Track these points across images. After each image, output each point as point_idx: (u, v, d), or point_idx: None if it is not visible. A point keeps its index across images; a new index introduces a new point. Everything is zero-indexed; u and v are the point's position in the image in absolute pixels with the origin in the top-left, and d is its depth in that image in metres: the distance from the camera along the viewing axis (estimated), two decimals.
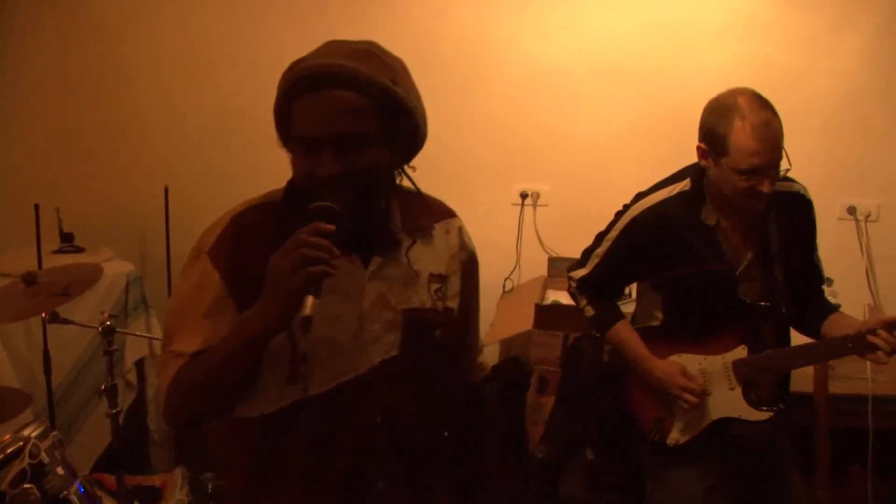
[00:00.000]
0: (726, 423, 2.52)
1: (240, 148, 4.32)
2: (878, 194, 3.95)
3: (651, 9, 4.09)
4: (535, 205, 4.30)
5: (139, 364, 4.02)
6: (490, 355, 4.22)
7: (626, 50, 4.12)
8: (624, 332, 2.63)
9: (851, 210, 3.95)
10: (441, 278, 1.80)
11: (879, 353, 2.25)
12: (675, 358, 2.55)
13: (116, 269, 3.92)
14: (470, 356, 2.02)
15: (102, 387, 2.90)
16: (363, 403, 1.68)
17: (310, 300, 1.43)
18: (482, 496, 2.03)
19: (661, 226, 2.48)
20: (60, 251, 4.07)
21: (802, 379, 3.14)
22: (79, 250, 4.10)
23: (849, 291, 3.57)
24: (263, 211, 1.69)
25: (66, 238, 4.14)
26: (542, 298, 3.93)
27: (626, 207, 2.59)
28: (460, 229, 1.90)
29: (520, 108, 4.22)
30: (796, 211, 2.51)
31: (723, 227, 2.46)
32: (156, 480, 3.73)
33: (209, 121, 4.40)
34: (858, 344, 2.30)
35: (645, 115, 4.13)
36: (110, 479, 3.42)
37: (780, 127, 2.28)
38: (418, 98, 1.67)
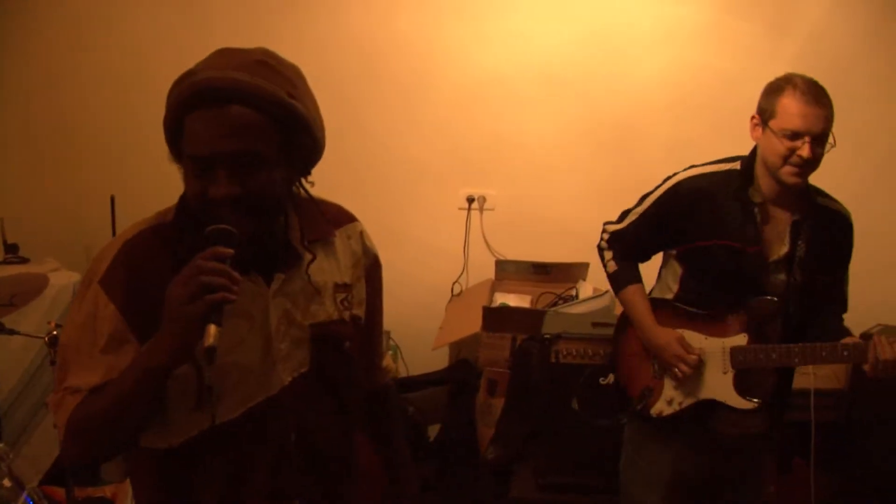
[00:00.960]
0: (712, 406, 2.57)
1: None
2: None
3: (590, 17, 4.15)
4: (481, 209, 4.33)
5: None
6: (440, 359, 4.26)
7: (566, 57, 4.18)
8: (635, 295, 2.70)
9: None
10: (346, 287, 1.77)
11: (879, 364, 2.32)
12: (682, 332, 2.61)
13: (63, 280, 3.87)
14: (374, 359, 2.01)
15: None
16: (276, 424, 1.64)
17: (212, 329, 1.37)
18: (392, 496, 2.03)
19: (704, 195, 2.53)
20: (5, 262, 4.02)
21: None
22: (23, 261, 4.05)
23: None
24: (155, 234, 1.60)
25: (11, 249, 4.09)
26: (490, 301, 3.97)
27: (676, 174, 2.64)
28: (362, 233, 1.86)
29: (465, 114, 4.26)
30: (835, 228, 2.56)
31: (766, 211, 2.51)
32: (106, 491, 3.68)
33: (154, 130, 4.30)
34: (855, 353, 2.38)
35: (586, 121, 4.19)
36: (60, 492, 3.39)
37: (830, 105, 2.38)
38: (316, 108, 1.61)
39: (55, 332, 2.87)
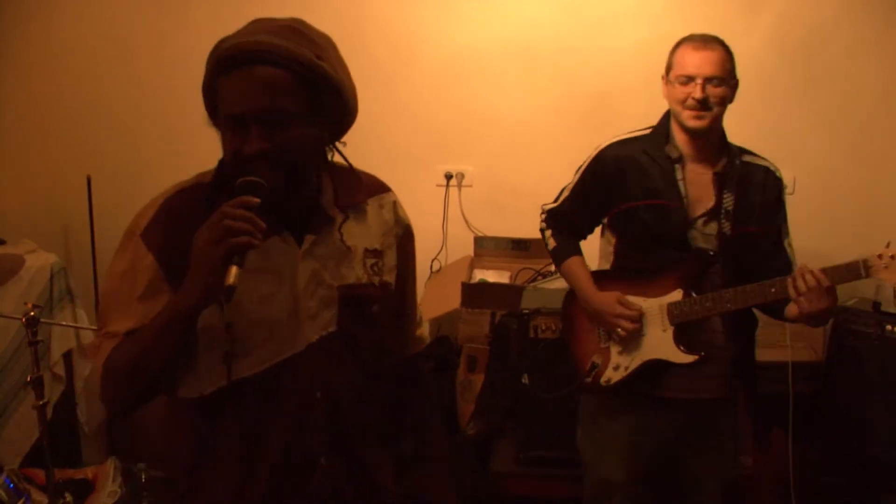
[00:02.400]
0: (659, 370, 2.61)
1: (162, 136, 4.28)
2: (792, 168, 4.06)
3: None
4: (459, 185, 4.33)
5: (67, 356, 3.96)
6: None
7: (543, 32, 4.17)
8: (576, 266, 2.77)
9: None
10: (376, 253, 1.82)
11: (799, 298, 2.36)
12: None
13: (40, 261, 3.85)
14: (408, 329, 2.04)
15: (28, 378, 2.86)
16: (302, 381, 1.69)
17: (233, 270, 1.45)
18: (421, 469, 2.05)
19: (624, 157, 2.65)
20: None
21: None
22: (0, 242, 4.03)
23: None
24: (194, 192, 1.70)
25: None
26: (470, 277, 3.97)
27: (600, 145, 2.74)
28: (394, 203, 1.92)
29: (442, 90, 4.25)
30: (761, 181, 2.64)
31: (685, 168, 2.60)
32: (87, 473, 3.69)
33: (131, 110, 4.34)
34: (781, 288, 2.41)
35: (563, 95, 4.20)
36: (40, 474, 3.38)
37: (722, 49, 2.58)
38: (346, 74, 1.68)
39: (32, 314, 2.85)
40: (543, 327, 3.34)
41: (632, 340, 2.63)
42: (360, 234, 1.79)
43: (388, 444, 1.93)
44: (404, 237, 1.93)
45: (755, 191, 2.61)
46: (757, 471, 3.51)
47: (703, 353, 2.55)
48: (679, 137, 2.62)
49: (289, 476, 1.71)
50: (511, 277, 4.02)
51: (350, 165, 1.81)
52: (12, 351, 3.69)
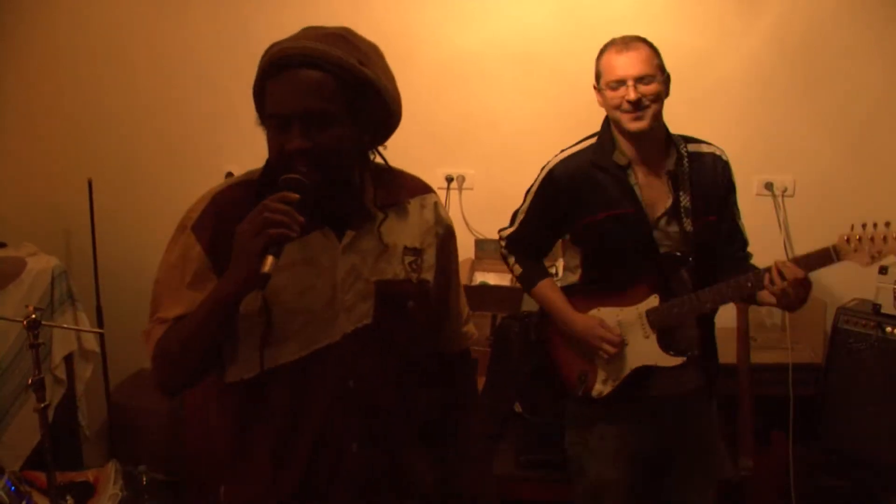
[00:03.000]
0: (646, 373, 2.63)
1: (163, 140, 4.29)
2: (792, 169, 4.07)
3: None
4: (460, 188, 4.34)
5: (68, 359, 3.96)
6: None
7: (541, 37, 4.17)
8: (547, 290, 2.76)
9: (769, 186, 4.03)
10: (416, 251, 1.88)
11: (774, 289, 2.38)
12: (594, 312, 2.68)
13: (41, 264, 3.86)
14: (452, 325, 2.07)
15: (29, 381, 2.87)
16: (336, 369, 1.77)
17: (269, 259, 1.54)
18: (461, 465, 2.06)
19: (576, 173, 2.64)
20: None
21: (726, 350, 3.23)
22: (1, 245, 4.03)
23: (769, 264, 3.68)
24: (242, 188, 1.79)
25: None
26: (470, 280, 3.98)
27: (548, 163, 2.74)
28: (436, 204, 1.98)
29: (443, 94, 4.25)
30: (711, 168, 2.64)
31: (637, 172, 2.60)
32: (88, 475, 3.69)
33: (132, 113, 4.35)
34: (757, 281, 2.44)
35: (562, 100, 4.19)
36: (41, 477, 3.39)
37: (647, 48, 2.56)
38: (390, 80, 1.78)
39: (33, 317, 2.86)
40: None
41: (616, 354, 2.64)
42: (401, 231, 1.86)
43: (426, 438, 1.98)
44: (445, 236, 1.98)
45: (707, 180, 2.62)
46: (757, 472, 3.51)
47: (691, 353, 2.60)
48: (624, 143, 2.61)
49: (322, 462, 1.78)
50: (512, 280, 4.02)
51: (390, 167, 1.92)
52: (13, 354, 3.70)
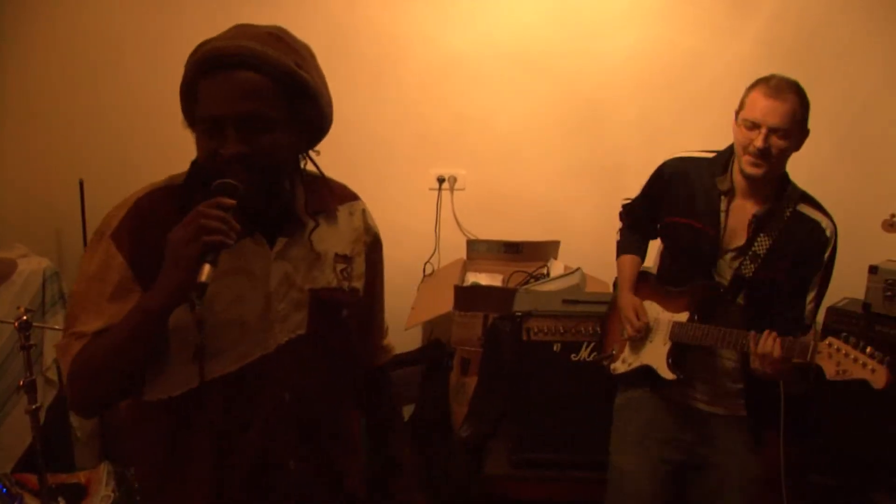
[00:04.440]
0: (656, 376, 2.69)
1: (154, 140, 4.27)
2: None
3: None
4: (452, 189, 4.35)
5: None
6: (413, 339, 4.27)
7: (533, 37, 4.20)
8: (625, 264, 2.93)
9: None
10: (346, 259, 1.85)
11: (753, 356, 2.41)
12: (646, 303, 2.78)
13: (32, 265, 3.85)
14: (375, 338, 2.07)
15: (20, 382, 2.86)
16: (271, 382, 1.71)
17: (206, 268, 1.47)
18: (392, 476, 2.07)
19: (679, 176, 2.70)
20: None
21: None
22: None
23: None
24: (166, 194, 1.70)
25: None
26: (462, 280, 3.99)
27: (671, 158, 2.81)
28: (364, 211, 1.95)
29: (435, 94, 4.27)
30: (807, 236, 2.57)
31: (734, 201, 2.61)
32: (80, 477, 3.68)
33: (123, 113, 4.35)
34: (753, 343, 2.42)
35: (554, 100, 4.22)
36: (33, 479, 3.38)
37: (795, 101, 2.46)
38: (324, 84, 1.70)
39: (25, 318, 2.85)
40: (536, 329, 3.35)
41: (640, 343, 2.75)
42: (331, 239, 1.82)
43: (359, 450, 1.95)
44: (373, 245, 1.96)
45: (794, 242, 2.56)
46: None
47: (681, 376, 2.63)
48: (736, 173, 2.60)
49: (261, 477, 1.72)
50: (503, 280, 4.03)
51: (322, 174, 1.84)
52: (5, 355, 3.69)
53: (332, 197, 1.86)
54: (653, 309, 2.76)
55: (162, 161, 4.18)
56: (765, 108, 2.45)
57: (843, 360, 2.30)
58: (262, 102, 1.57)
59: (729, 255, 2.61)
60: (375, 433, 2.09)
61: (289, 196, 1.75)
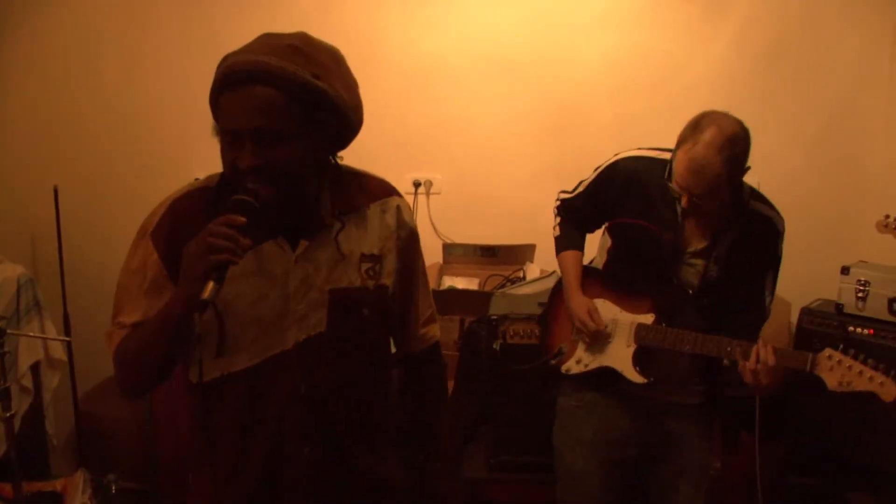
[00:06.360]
0: (615, 377, 2.68)
1: (130, 146, 4.27)
2: (756, 172, 4.06)
3: (534, 0, 4.18)
4: (428, 193, 4.36)
5: (34, 368, 3.92)
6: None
7: (510, 41, 4.21)
8: (569, 260, 2.85)
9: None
10: (374, 258, 1.89)
11: (745, 367, 2.40)
12: (598, 301, 2.73)
13: (6, 272, 3.81)
14: (411, 327, 2.09)
15: None
16: (288, 376, 1.80)
17: (210, 285, 1.56)
18: (428, 463, 2.10)
19: (636, 176, 2.63)
20: None
21: None
22: None
23: None
24: (199, 196, 1.81)
25: None
26: (439, 284, 3.99)
27: (621, 152, 2.73)
28: (398, 207, 1.97)
29: (410, 99, 4.27)
30: (762, 233, 2.57)
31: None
32: (57, 485, 3.65)
33: (98, 119, 4.32)
34: (740, 351, 2.44)
35: (531, 104, 4.23)
36: (7, 487, 3.35)
37: (722, 169, 2.33)
38: (347, 89, 1.75)
39: (0, 325, 2.84)
40: (512, 333, 3.36)
41: (598, 342, 2.71)
42: (358, 239, 1.87)
43: (393, 440, 2.02)
44: (408, 240, 1.99)
45: (753, 242, 2.56)
46: (724, 472, 3.54)
47: (652, 379, 2.63)
48: None
49: (278, 464, 1.83)
50: (480, 284, 4.05)
51: (350, 172, 1.93)
52: None
53: (363, 195, 1.92)
54: (607, 308, 2.72)
55: (137, 167, 4.22)
56: (686, 179, 2.38)
57: (846, 373, 2.33)
58: (276, 117, 1.63)
59: (690, 258, 2.59)
60: (412, 417, 2.13)
61: (314, 199, 1.82)
